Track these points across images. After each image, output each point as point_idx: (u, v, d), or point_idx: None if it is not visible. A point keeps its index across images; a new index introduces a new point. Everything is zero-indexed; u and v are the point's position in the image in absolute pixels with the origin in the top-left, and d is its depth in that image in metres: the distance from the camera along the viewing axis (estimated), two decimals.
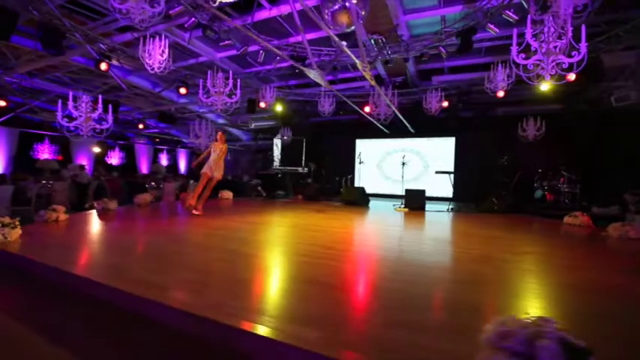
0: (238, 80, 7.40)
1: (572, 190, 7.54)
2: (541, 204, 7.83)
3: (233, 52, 9.50)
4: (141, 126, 12.84)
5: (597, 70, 6.52)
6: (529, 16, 4.79)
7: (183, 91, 9.04)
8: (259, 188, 10.53)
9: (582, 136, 7.91)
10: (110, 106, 7.01)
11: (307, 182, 10.51)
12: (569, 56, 4.78)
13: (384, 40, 8.67)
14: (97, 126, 6.95)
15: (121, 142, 15.71)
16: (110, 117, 6.99)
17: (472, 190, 9.01)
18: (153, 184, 10.17)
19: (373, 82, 7.27)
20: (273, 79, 11.51)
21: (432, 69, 10.17)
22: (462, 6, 7.21)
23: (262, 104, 10.36)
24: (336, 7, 5.70)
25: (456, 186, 9.49)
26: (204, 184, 5.91)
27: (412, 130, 10.34)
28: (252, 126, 13.34)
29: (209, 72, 7.44)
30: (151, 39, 5.44)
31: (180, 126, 13.96)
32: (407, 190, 7.58)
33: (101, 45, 7.39)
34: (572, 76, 7.11)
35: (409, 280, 2.57)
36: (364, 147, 11.78)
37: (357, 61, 6.04)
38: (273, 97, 8.79)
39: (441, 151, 10.90)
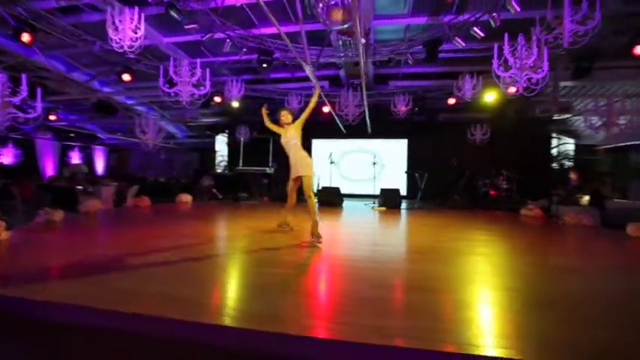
0: (208, 70, 6.59)
1: (510, 187, 8.85)
2: (485, 199, 8.98)
3: (182, 38, 8.49)
4: (53, 117, 10.47)
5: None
6: (514, 36, 5.43)
7: (127, 77, 7.66)
8: (214, 190, 9.61)
9: (519, 140, 9.36)
10: (39, 90, 5.52)
11: (265, 183, 10.00)
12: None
13: (352, 42, 8.80)
14: (21, 114, 5.39)
15: (16, 137, 12.51)
16: (39, 104, 5.50)
17: (432, 190, 9.67)
18: (80, 188, 8.41)
19: (315, 81, 7.20)
20: (225, 72, 10.66)
21: (389, 74, 10.76)
22: (427, 17, 7.78)
23: (218, 99, 9.48)
24: (332, 2, 5.56)
25: (410, 185, 10.23)
26: (294, 192, 4.27)
27: (369, 131, 10.77)
28: (193, 122, 12.11)
29: (171, 59, 6.45)
30: (121, 10, 4.44)
31: (110, 119, 11.87)
32: (382, 190, 7.84)
33: (20, 10, 5.76)
34: (512, 89, 8.29)
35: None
36: (320, 147, 11.78)
37: (305, 64, 5.98)
38: (241, 93, 8.10)
39: (395, 152, 11.60)
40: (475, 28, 6.69)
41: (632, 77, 7.50)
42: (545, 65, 5.49)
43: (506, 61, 5.46)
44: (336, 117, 9.16)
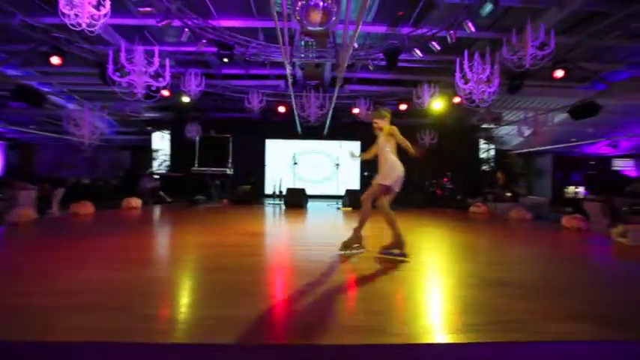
0: (167, 60, 5.92)
1: (453, 187, 9.88)
2: (434, 199, 9.88)
3: (125, 20, 7.52)
4: None
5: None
6: (471, 52, 6.07)
7: (56, 60, 6.42)
8: (161, 193, 8.69)
9: (458, 144, 10.49)
10: None
11: (218, 184, 9.39)
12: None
13: (314, 43, 8.85)
14: None
15: None
16: None
17: None
18: None
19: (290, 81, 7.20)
20: (172, 63, 9.73)
21: (344, 77, 11.05)
22: (386, 27, 8.24)
23: (166, 92, 8.58)
24: (312, 2, 5.55)
25: (363, 188, 10.64)
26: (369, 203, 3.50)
27: (325, 133, 10.93)
28: (135, 117, 10.77)
29: (122, 43, 5.62)
30: None
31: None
32: (347, 191, 8.02)
33: None
34: (457, 99, 9.25)
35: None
36: (275, 147, 11.54)
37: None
38: (202, 87, 7.47)
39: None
40: (433, 42, 7.31)
41: (549, 95, 9.05)
42: (496, 81, 6.30)
43: (465, 74, 6.12)
44: (297, 118, 9.08)
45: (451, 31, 6.93)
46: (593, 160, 15.53)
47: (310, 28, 6.20)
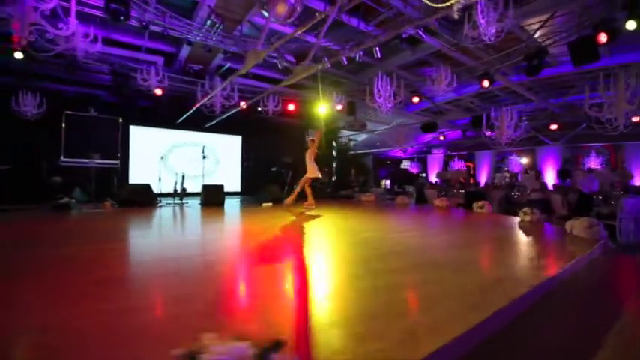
0: None
1: (329, 181, 11.62)
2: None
3: None
4: None
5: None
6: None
7: None
8: None
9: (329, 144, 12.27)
10: None
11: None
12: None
13: (220, 26, 8.31)
14: None
15: None
16: None
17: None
18: None
19: None
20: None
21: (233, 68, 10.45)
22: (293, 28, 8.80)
23: None
24: None
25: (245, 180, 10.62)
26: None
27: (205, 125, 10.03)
28: None
29: None
30: None
31: None
32: (204, 187, 7.59)
33: None
34: (339, 107, 11.09)
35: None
36: (140, 136, 9.43)
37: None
38: (98, 46, 5.38)
39: (229, 147, 11.40)
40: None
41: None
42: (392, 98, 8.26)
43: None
44: (202, 107, 8.06)
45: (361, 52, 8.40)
46: (389, 160, 21.83)
47: (273, 18, 6.18)
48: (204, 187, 7.08)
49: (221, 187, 7.51)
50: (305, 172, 6.75)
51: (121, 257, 3.01)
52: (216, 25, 8.00)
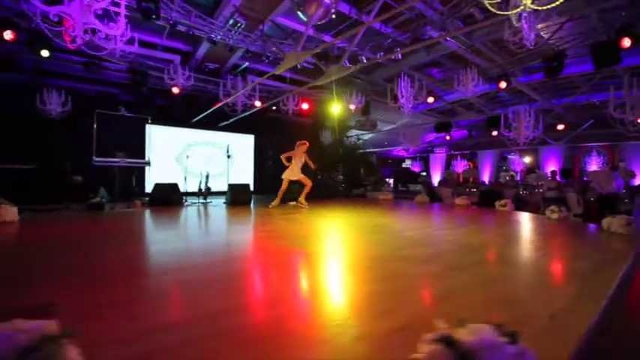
0: None
1: (343, 179, 11.71)
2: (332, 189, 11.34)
3: None
4: None
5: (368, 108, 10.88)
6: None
7: None
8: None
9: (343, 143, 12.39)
10: None
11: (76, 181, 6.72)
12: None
13: (242, 25, 8.32)
14: None
15: None
16: None
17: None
18: None
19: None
20: None
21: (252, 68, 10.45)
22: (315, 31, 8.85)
23: (9, 34, 5.40)
24: None
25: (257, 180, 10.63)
26: None
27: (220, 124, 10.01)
28: None
29: None
30: None
31: None
32: (230, 185, 7.62)
33: None
34: (353, 106, 11.14)
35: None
36: (156, 134, 9.36)
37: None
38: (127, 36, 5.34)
39: (242, 146, 11.39)
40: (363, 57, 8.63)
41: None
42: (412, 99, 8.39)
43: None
44: (224, 107, 8.06)
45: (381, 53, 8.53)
46: (391, 159, 22.05)
47: (306, 17, 6.23)
48: (231, 186, 7.09)
49: (247, 186, 7.54)
50: (306, 172, 6.85)
51: (196, 257, 3.04)
52: (238, 25, 8.02)
